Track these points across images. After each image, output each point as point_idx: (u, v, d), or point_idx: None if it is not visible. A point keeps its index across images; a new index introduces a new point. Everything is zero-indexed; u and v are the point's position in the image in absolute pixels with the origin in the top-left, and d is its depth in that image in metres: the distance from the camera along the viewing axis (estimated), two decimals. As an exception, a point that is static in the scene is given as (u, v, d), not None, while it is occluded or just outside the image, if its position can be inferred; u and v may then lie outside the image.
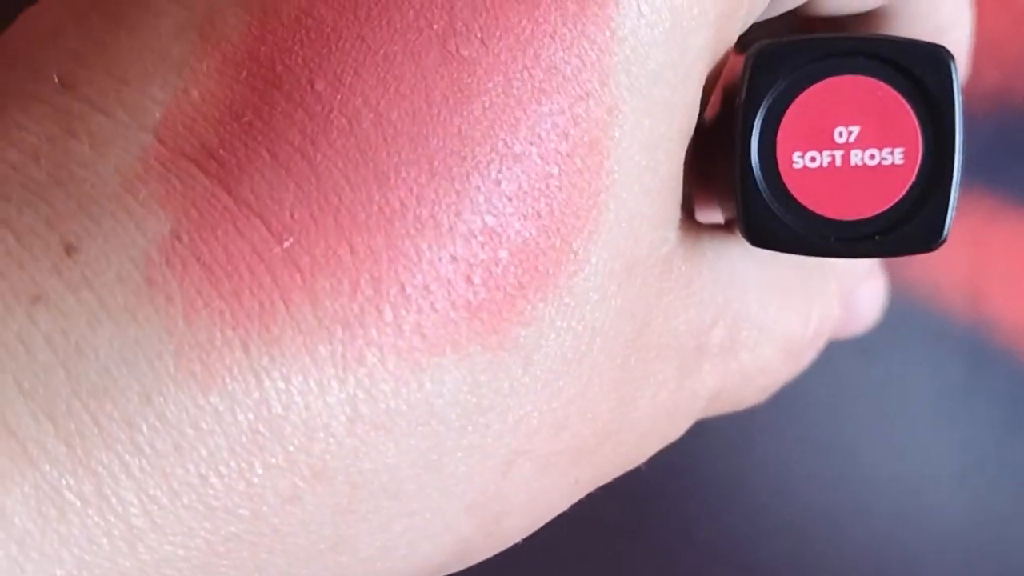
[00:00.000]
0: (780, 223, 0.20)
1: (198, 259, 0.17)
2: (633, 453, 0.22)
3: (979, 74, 0.24)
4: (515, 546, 0.21)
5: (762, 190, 0.20)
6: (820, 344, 0.26)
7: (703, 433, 0.32)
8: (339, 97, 0.18)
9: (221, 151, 0.18)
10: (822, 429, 0.38)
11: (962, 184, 0.20)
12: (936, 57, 0.19)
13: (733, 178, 0.20)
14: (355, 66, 0.18)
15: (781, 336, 0.24)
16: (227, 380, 0.17)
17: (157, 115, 0.18)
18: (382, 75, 0.18)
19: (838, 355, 0.35)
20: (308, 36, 0.18)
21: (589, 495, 0.22)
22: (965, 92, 0.20)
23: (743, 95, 0.19)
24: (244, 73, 0.18)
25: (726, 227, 0.22)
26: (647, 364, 0.21)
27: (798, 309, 0.24)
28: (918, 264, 0.36)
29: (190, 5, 0.19)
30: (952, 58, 0.19)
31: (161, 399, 0.17)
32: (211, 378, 0.17)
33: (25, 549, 0.17)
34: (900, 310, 0.36)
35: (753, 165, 0.20)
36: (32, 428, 0.17)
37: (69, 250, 0.17)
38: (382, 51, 0.18)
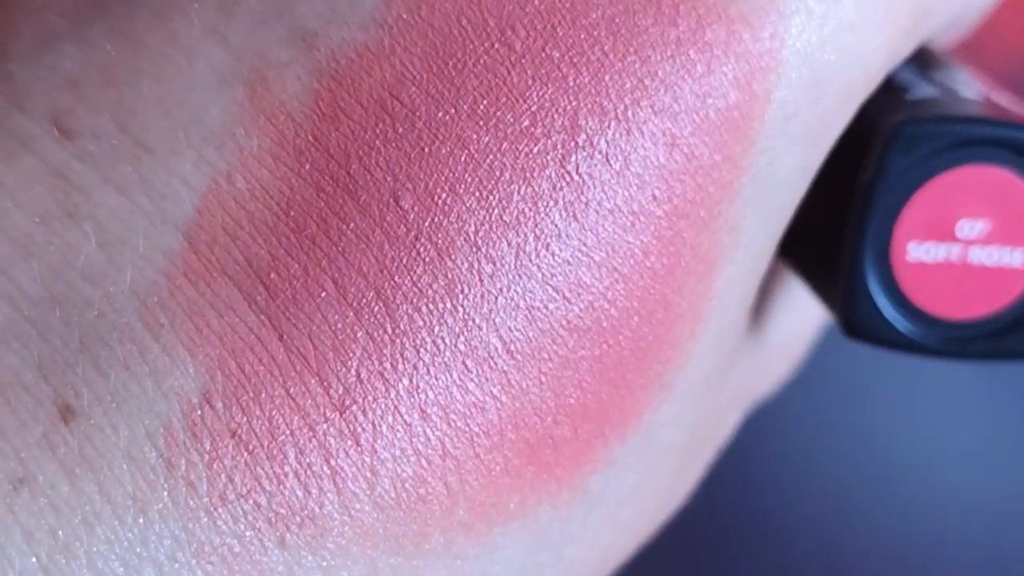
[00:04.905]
0: (883, 319, 0.18)
1: (233, 434, 0.14)
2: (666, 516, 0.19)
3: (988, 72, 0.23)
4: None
5: (869, 282, 0.18)
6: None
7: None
8: (429, 220, 0.14)
9: (273, 275, 0.14)
10: (842, 409, 0.38)
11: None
12: None
13: (836, 262, 0.18)
14: (452, 179, 0.14)
15: (799, 349, 0.21)
16: None
17: (189, 207, 0.14)
18: (484, 195, 0.14)
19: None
20: (395, 128, 0.14)
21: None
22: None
23: (870, 175, 0.17)
24: (308, 165, 0.14)
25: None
26: (700, 451, 0.19)
27: (811, 317, 0.21)
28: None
29: (234, 45, 0.15)
30: None
31: None
32: None
33: None
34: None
35: (864, 253, 0.18)
36: None
37: (66, 414, 0.14)
38: (487, 163, 0.14)
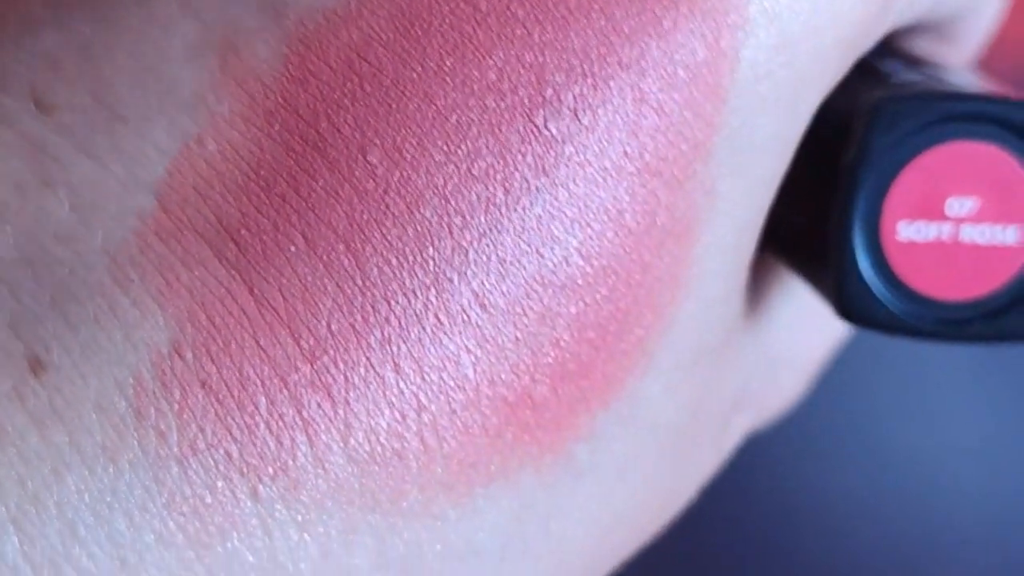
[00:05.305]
0: (877, 301, 0.18)
1: (203, 383, 0.14)
2: (669, 515, 0.19)
3: (992, 70, 0.22)
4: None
5: (860, 263, 0.18)
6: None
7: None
8: (398, 174, 0.15)
9: (243, 231, 0.15)
10: (844, 401, 0.38)
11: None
12: None
13: (826, 245, 0.18)
14: (419, 134, 0.15)
15: (809, 362, 0.21)
16: (228, 536, 0.14)
17: (160, 169, 0.15)
18: (452, 149, 0.15)
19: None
20: (362, 87, 0.15)
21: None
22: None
23: (853, 154, 0.17)
24: (277, 126, 0.15)
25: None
26: (697, 440, 0.18)
27: (822, 328, 0.21)
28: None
29: (207, 18, 0.15)
30: None
31: (141, 565, 0.14)
32: (208, 536, 0.14)
33: None
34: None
35: (853, 234, 0.18)
36: None
37: (36, 367, 0.14)
38: (454, 117, 0.15)
